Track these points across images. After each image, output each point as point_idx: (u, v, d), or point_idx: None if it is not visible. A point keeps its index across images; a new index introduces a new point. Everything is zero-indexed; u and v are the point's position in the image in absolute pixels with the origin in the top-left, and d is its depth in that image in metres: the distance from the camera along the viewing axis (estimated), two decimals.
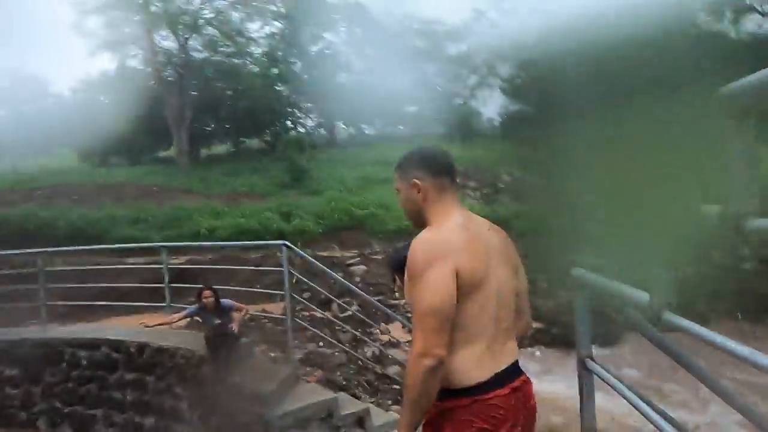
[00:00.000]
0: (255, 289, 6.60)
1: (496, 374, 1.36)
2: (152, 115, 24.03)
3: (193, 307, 4.39)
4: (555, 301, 10.21)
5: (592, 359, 1.43)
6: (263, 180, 20.40)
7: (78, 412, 5.18)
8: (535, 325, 9.75)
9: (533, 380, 1.46)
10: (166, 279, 5.25)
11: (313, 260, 4.83)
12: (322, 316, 8.77)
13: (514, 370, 1.41)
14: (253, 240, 14.96)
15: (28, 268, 6.01)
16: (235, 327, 4.33)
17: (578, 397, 1.49)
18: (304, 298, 6.63)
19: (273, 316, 8.84)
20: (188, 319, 4.60)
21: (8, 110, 29.35)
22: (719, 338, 0.91)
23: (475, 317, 1.34)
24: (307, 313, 9.48)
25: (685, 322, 0.97)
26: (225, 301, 4.37)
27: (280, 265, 4.43)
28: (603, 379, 1.37)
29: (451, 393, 1.35)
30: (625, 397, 1.25)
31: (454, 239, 1.37)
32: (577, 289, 1.45)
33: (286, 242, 4.41)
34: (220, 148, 29.07)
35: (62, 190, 18.95)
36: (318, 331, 6.15)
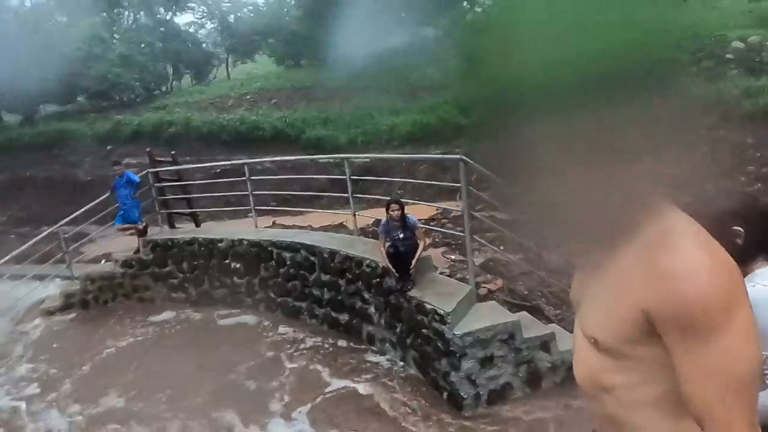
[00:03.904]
0: (436, 183, 6.39)
1: None
2: (329, 12, 24.52)
3: (383, 224, 4.50)
4: None
5: None
6: (440, 70, 19.75)
7: (288, 302, 6.00)
8: None
9: None
10: (350, 189, 5.45)
11: (488, 173, 4.45)
12: (504, 217, 8.53)
13: None
14: (432, 135, 14.99)
15: (238, 176, 6.84)
16: (419, 244, 4.37)
17: None
18: (486, 195, 6.29)
19: (453, 215, 8.90)
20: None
21: (216, 22, 32.84)
22: None
23: None
24: (488, 214, 9.30)
25: None
26: (411, 216, 4.40)
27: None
28: None
29: None
30: None
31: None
32: None
33: (463, 157, 4.10)
34: (396, 39, 28.72)
35: (264, 95, 21.07)
36: (501, 232, 5.82)
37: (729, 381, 0.79)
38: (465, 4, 25.25)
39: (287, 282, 5.97)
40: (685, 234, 0.87)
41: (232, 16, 33.28)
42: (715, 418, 0.80)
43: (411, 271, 4.39)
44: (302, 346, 5.30)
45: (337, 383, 4.54)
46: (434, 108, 15.64)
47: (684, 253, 0.84)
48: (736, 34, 14.72)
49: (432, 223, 9.52)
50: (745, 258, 1.47)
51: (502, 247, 7.95)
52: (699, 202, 1.60)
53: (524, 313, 4.30)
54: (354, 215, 5.68)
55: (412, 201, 8.40)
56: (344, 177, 5.48)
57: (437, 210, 9.59)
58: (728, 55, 14.03)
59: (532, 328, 4.02)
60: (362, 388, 4.42)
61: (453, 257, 7.35)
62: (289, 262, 5.89)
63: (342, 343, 5.24)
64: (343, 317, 5.39)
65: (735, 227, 1.45)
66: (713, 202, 1.52)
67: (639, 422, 0.96)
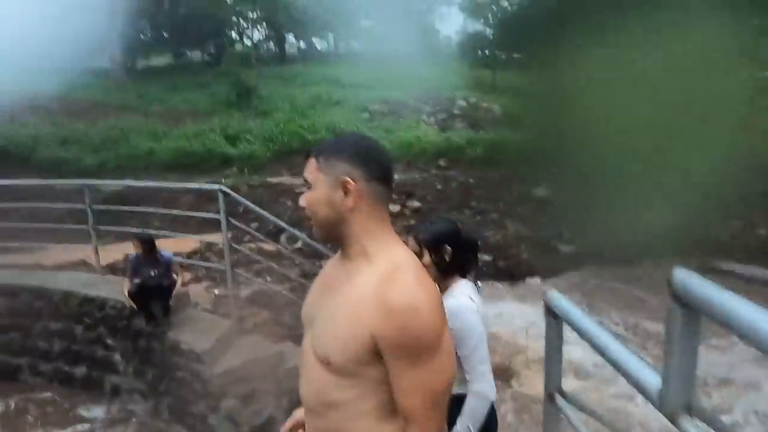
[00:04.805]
0: (197, 214, 6.09)
1: None
2: (81, 19, 21.48)
3: (131, 260, 4.01)
4: (503, 233, 10.38)
5: (562, 394, 1.24)
6: (207, 97, 19.06)
7: (1, 360, 4.83)
8: (483, 257, 9.90)
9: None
10: (90, 221, 4.75)
11: (250, 204, 4.46)
12: (270, 248, 8.55)
13: None
14: (197, 164, 14.22)
15: None
16: (175, 280, 4.05)
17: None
18: (251, 228, 6.22)
19: (218, 247, 8.53)
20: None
21: None
22: None
23: None
24: (254, 245, 9.18)
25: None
26: (164, 252, 4.05)
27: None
28: (569, 420, 1.18)
29: None
30: None
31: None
32: (549, 317, 1.22)
33: (222, 187, 4.00)
34: (159, 60, 26.76)
35: None
36: (267, 264, 5.85)
37: (431, 394, 1.01)
38: (233, 35, 25.15)
39: (1, 335, 4.81)
40: (408, 272, 1.03)
41: None
42: (418, 421, 1.01)
43: (166, 310, 4.02)
44: (21, 413, 4.31)
45: None
46: (199, 135, 14.89)
47: (407, 290, 1.00)
48: (461, 95, 18.11)
49: (194, 257, 8.95)
50: (448, 273, 1.83)
51: (268, 279, 7.95)
52: (423, 226, 1.93)
53: (289, 343, 4.33)
54: (96, 250, 4.95)
55: (171, 233, 7.80)
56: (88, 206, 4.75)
57: (200, 243, 9.08)
58: (456, 111, 17.09)
59: (295, 356, 4.08)
60: None
61: (217, 292, 7.02)
62: (3, 311, 4.77)
63: (77, 401, 4.44)
64: (80, 370, 4.59)
65: (446, 245, 1.78)
66: (434, 226, 1.87)
67: (358, 430, 1.06)
